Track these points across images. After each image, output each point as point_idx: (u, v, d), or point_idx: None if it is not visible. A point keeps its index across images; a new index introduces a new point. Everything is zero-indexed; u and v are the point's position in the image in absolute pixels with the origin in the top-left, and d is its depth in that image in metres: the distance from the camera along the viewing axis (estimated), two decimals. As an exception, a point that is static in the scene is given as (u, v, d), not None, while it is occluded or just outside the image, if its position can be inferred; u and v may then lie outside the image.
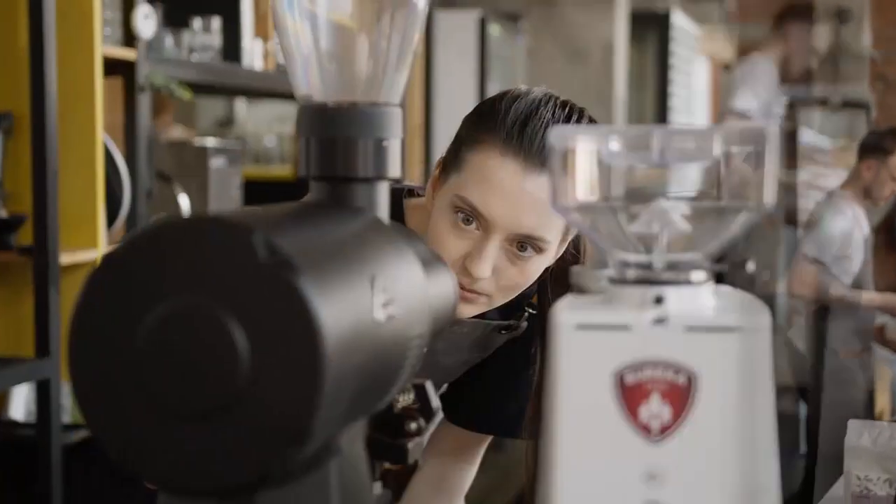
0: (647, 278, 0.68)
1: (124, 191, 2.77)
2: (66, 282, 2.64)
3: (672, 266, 0.69)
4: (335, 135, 0.76)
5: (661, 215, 0.68)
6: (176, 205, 3.12)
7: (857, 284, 4.51)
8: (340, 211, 0.75)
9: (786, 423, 4.28)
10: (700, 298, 0.68)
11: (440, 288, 0.83)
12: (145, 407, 0.60)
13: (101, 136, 2.72)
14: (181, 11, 3.33)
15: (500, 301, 1.34)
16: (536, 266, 1.32)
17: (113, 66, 2.90)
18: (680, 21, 7.74)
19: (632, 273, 0.69)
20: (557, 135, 0.69)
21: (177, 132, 4.53)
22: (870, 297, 4.74)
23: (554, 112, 1.29)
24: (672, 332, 0.66)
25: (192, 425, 0.60)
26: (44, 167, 2.46)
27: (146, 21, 2.90)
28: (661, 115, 7.70)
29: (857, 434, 1.77)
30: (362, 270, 0.67)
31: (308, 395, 0.59)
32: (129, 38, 2.93)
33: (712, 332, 0.65)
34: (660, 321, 0.66)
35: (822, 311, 4.39)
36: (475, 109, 1.35)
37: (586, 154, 0.68)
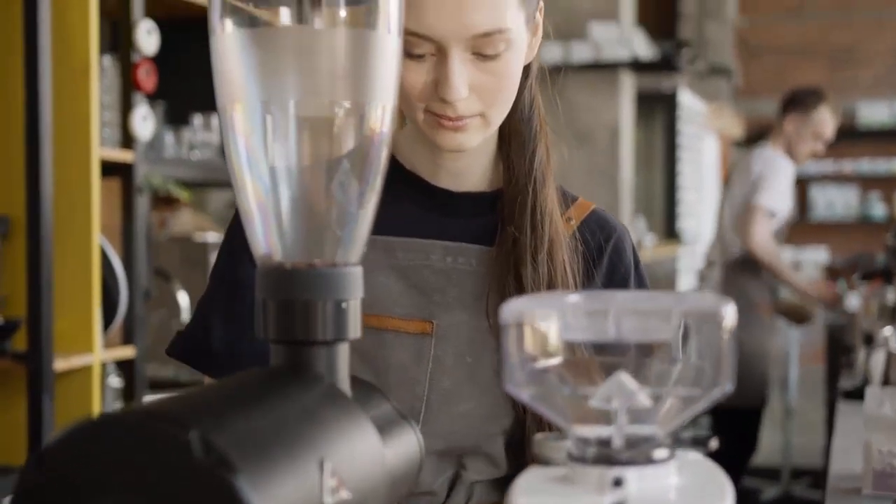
0: (607, 457, 0.65)
1: (121, 294, 2.76)
2: (60, 388, 2.61)
3: (632, 443, 0.66)
4: (293, 297, 0.75)
5: (620, 390, 0.66)
6: (175, 303, 3.11)
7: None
8: (295, 380, 0.73)
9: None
10: (662, 478, 0.65)
11: (401, 449, 0.80)
12: None
13: (97, 239, 2.71)
14: (182, 108, 3.35)
15: (497, 117, 1.24)
16: (511, 63, 1.21)
17: (111, 168, 2.90)
18: (687, 99, 7.77)
19: (591, 451, 0.66)
20: (510, 309, 0.67)
21: (186, 218, 4.53)
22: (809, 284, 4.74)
23: None
24: (631, 519, 0.63)
25: None
26: (38, 272, 2.45)
27: (144, 122, 2.91)
28: (670, 193, 7.70)
29: (877, 401, 1.54)
30: (310, 454, 0.64)
31: None
32: (128, 139, 2.93)
33: (672, 518, 0.63)
34: (618, 506, 0.63)
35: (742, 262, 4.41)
36: None
37: (540, 328, 0.66)
